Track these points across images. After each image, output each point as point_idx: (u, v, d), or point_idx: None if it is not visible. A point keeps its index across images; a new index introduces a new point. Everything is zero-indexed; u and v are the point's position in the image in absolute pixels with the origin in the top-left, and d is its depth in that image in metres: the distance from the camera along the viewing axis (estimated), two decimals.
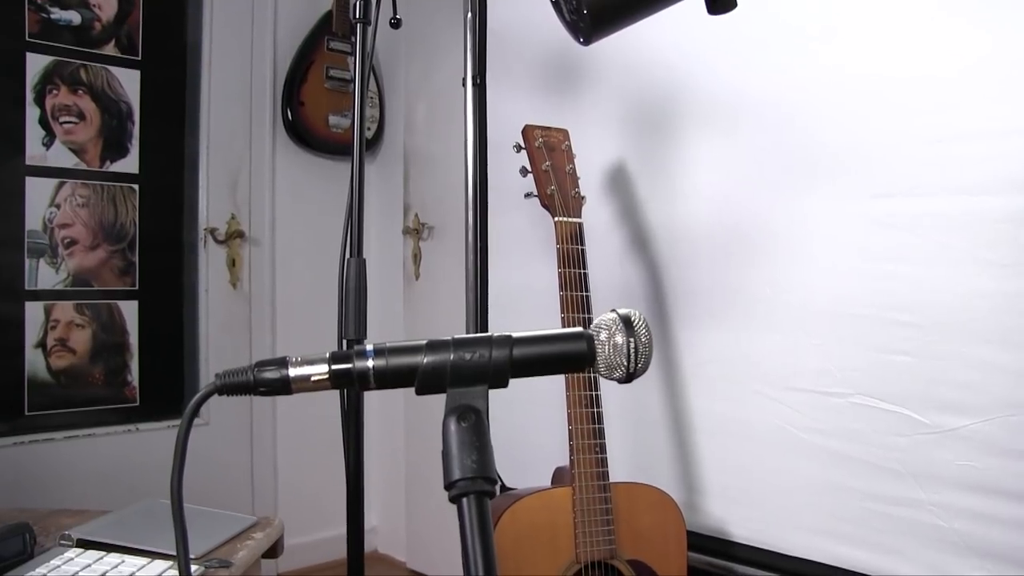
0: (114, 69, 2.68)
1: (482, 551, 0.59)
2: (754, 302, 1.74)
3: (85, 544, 1.17)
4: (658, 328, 1.89)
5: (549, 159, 1.72)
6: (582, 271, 1.67)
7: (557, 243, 1.67)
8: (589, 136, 1.94)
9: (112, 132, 2.69)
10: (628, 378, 0.68)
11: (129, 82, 2.71)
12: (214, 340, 2.86)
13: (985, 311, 1.44)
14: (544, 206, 1.70)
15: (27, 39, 2.54)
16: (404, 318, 3.12)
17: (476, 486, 0.61)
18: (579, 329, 0.68)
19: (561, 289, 1.65)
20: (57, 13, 2.59)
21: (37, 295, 2.56)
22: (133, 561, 1.07)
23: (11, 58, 2.52)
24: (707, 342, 1.82)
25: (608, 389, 2.01)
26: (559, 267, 1.66)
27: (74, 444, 2.59)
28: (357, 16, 1.58)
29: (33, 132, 2.55)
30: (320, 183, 3.11)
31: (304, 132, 3.03)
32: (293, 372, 0.66)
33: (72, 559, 1.11)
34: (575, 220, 1.70)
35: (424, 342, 0.66)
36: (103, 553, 1.11)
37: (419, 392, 0.66)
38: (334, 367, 0.66)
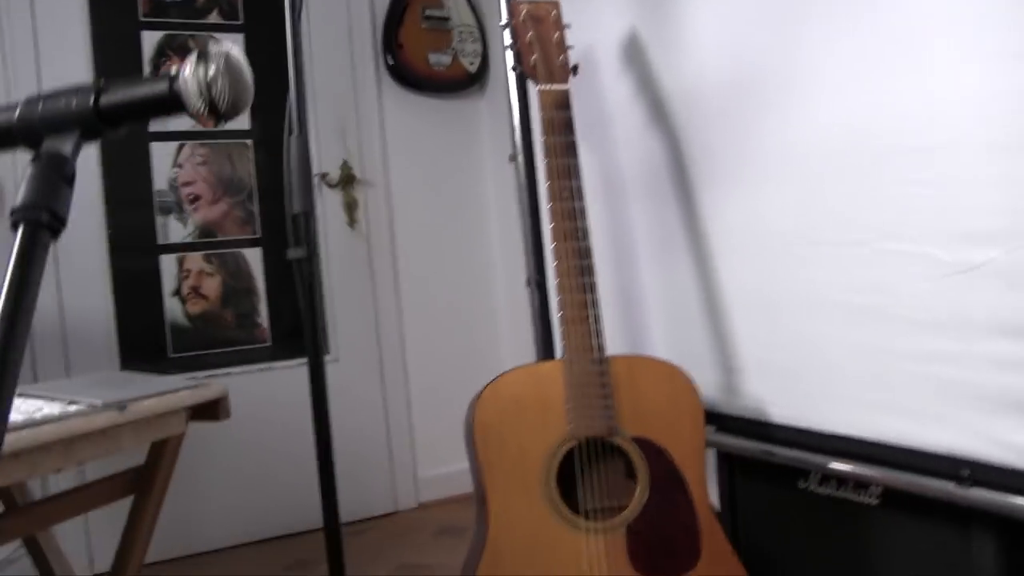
0: (219, 35, 2.88)
1: (15, 281, 0.59)
2: (768, 155, 1.57)
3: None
4: (683, 198, 1.77)
5: (534, 30, 1.65)
6: (569, 139, 1.59)
7: (541, 111, 1.60)
8: (604, 11, 1.85)
9: None
10: (215, 115, 0.64)
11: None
12: (337, 280, 3.00)
13: (1000, 114, 1.22)
14: (528, 76, 1.64)
15: (140, 19, 2.79)
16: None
17: (31, 215, 0.61)
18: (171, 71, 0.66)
19: (546, 156, 1.58)
20: None
21: (169, 248, 2.81)
22: (35, 403, 1.15)
23: (128, 38, 2.78)
24: (730, 206, 1.67)
25: (640, 272, 1.91)
26: (543, 135, 1.59)
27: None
28: None
29: None
30: (429, 121, 3.17)
31: (407, 73, 3.10)
32: None
33: None
34: (560, 87, 1.62)
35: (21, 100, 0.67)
36: (23, 400, 1.20)
37: (14, 145, 0.66)
38: None
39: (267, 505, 2.84)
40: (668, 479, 1.50)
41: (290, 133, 1.47)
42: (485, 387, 1.49)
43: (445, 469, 3.06)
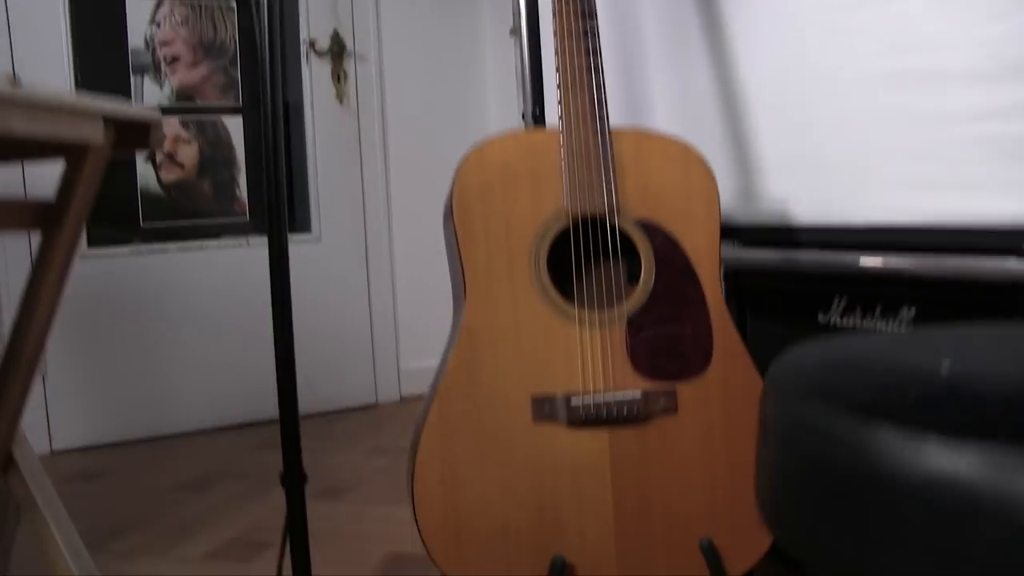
0: None
1: None
2: None
3: None
4: None
5: None
6: None
7: None
8: None
9: None
10: None
11: None
12: (322, 155, 2.80)
13: None
14: None
15: None
16: None
17: None
18: None
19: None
20: None
21: None
22: None
23: None
24: None
25: (647, 63, 1.71)
26: None
27: (187, 256, 2.63)
28: None
29: None
30: None
31: None
32: None
33: None
34: None
35: None
36: None
37: None
38: None
39: (240, 388, 2.65)
40: (677, 270, 1.29)
41: None
42: (470, 151, 1.28)
43: (431, 362, 2.83)
